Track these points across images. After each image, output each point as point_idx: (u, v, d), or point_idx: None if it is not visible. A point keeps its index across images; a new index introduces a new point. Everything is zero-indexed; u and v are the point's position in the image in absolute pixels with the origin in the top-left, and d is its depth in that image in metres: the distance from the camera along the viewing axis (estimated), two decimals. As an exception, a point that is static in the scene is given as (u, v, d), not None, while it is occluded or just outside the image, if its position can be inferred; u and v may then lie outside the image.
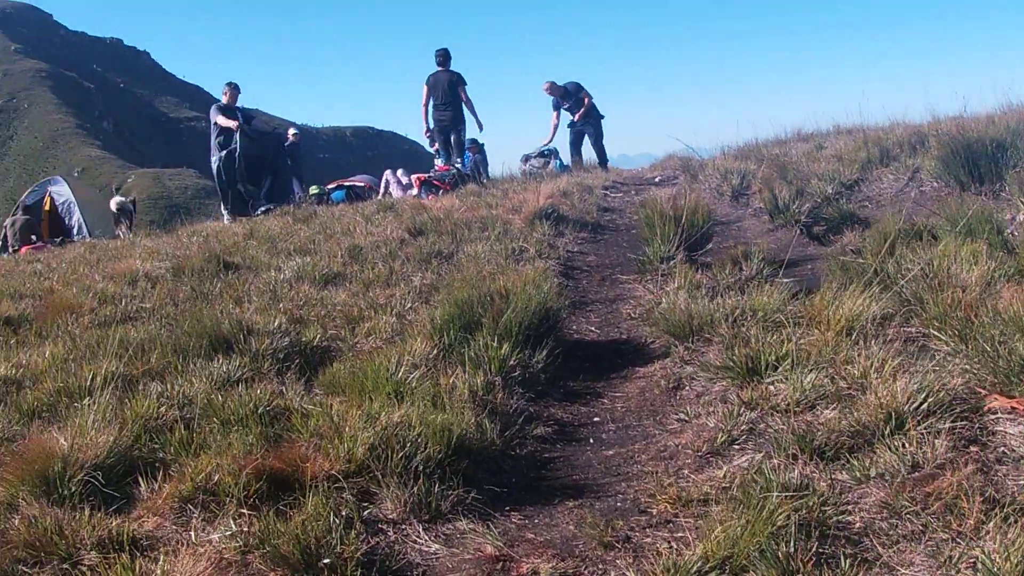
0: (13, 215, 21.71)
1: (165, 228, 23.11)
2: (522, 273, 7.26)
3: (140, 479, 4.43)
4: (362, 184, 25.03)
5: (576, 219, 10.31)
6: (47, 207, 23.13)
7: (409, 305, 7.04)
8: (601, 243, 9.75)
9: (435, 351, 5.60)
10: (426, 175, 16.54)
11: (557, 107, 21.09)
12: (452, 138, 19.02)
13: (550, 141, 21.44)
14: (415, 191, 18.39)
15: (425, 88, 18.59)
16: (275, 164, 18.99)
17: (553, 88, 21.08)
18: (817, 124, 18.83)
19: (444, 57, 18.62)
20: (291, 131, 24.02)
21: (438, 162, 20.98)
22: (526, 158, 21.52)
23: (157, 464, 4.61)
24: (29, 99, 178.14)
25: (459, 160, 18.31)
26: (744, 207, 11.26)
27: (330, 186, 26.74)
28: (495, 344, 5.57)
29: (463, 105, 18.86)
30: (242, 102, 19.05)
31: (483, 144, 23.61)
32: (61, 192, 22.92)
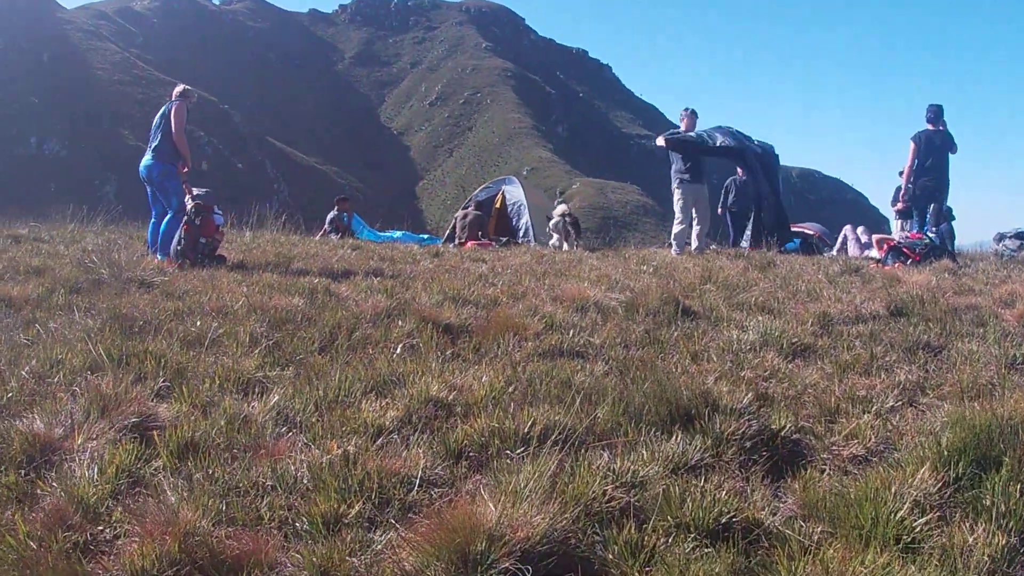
0: (464, 208, 22.18)
1: (606, 242, 22.88)
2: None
3: (574, 583, 3.74)
4: (812, 232, 23.98)
5: (1079, 324, 8.81)
6: (498, 204, 23.48)
7: (891, 404, 5.95)
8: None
9: (940, 486, 4.50)
10: (896, 240, 15.18)
11: None
12: (932, 207, 17.39)
13: None
14: (875, 254, 17.10)
15: (912, 147, 17.04)
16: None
17: None
18: None
19: (936, 114, 16.97)
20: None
21: (899, 225, 19.49)
22: (1000, 237, 19.63)
23: (596, 564, 3.89)
24: (492, 95, 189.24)
25: (933, 229, 16.77)
26: None
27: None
28: (1018, 495, 4.41)
29: (948, 170, 17.30)
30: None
31: (954, 214, 21.98)
32: (514, 193, 23.20)
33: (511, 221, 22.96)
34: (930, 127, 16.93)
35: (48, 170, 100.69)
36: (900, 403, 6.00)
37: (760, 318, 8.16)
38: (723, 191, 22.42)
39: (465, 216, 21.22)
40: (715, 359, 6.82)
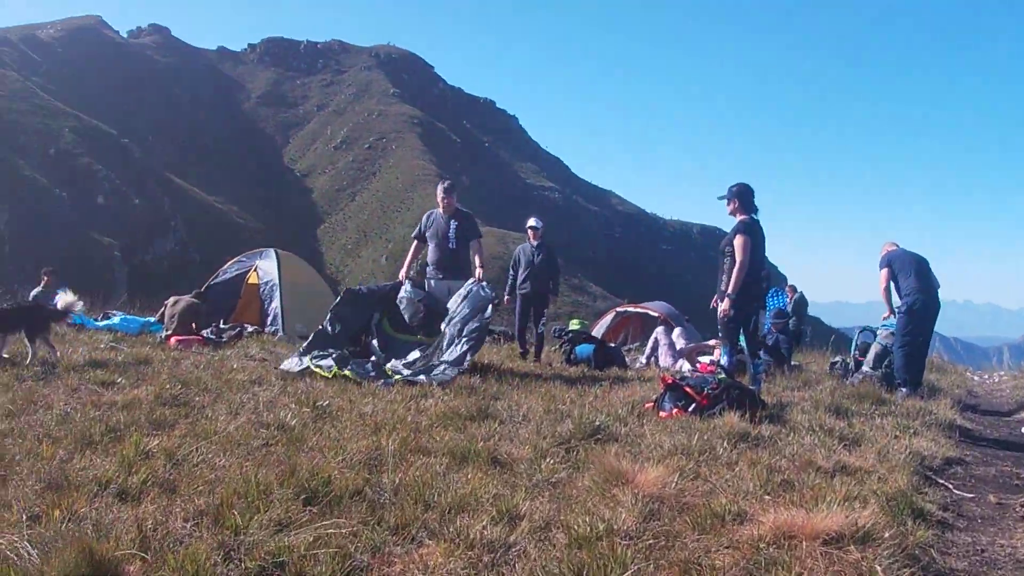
0: (182, 295, 17.53)
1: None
2: None
3: None
4: (655, 314, 19.96)
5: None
6: (252, 281, 19.44)
7: None
8: None
9: None
10: (681, 374, 10.95)
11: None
12: (754, 319, 13.03)
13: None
14: (685, 367, 13.23)
15: (744, 241, 12.21)
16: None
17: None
18: None
19: (751, 197, 12.47)
20: (530, 223, 17.91)
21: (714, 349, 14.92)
22: (867, 336, 15.77)
23: None
24: (398, 141, 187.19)
25: (756, 355, 12.40)
26: None
27: (606, 318, 21.96)
28: None
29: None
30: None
31: (795, 304, 18.30)
32: (267, 270, 18.98)
33: (263, 304, 19.00)
34: (743, 216, 12.37)
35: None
36: None
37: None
38: (511, 265, 17.87)
39: (176, 303, 16.57)
40: None
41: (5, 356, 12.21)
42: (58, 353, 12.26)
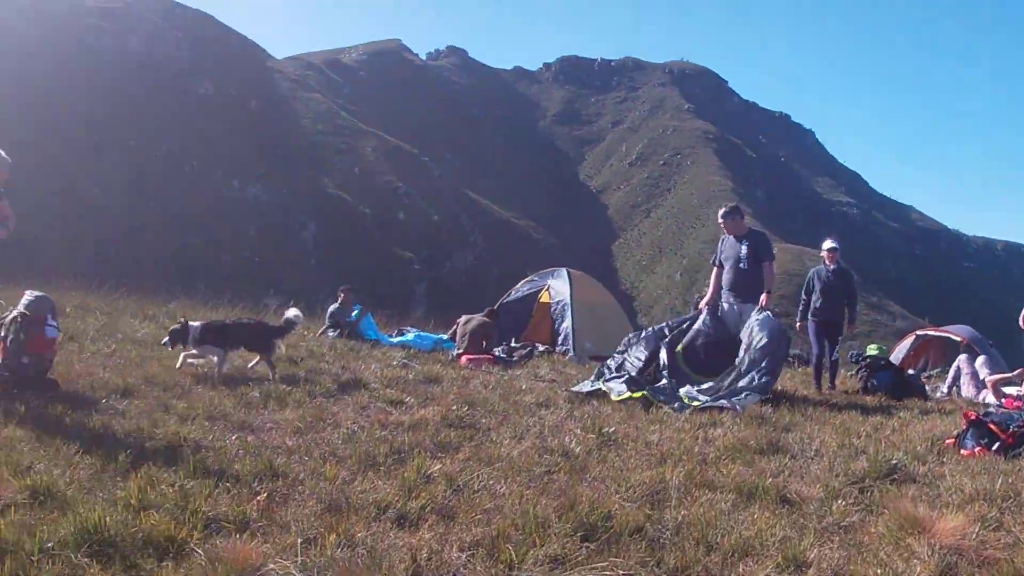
0: (474, 315, 17.93)
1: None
2: None
3: None
4: (958, 339, 19.00)
5: None
6: (543, 300, 19.72)
7: None
8: None
9: None
10: (984, 409, 10.30)
11: None
12: None
13: None
14: (991, 398, 12.53)
15: None
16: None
17: None
18: None
19: None
20: (826, 245, 16.91)
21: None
22: None
23: None
24: (692, 157, 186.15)
25: None
26: None
27: (905, 342, 21.11)
28: None
29: None
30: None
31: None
32: (559, 289, 19.13)
33: (554, 324, 19.28)
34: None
35: (249, 213, 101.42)
36: None
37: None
38: (804, 289, 16.77)
39: (468, 322, 17.12)
40: None
41: (275, 375, 12.03)
42: (276, 375, 12.07)
